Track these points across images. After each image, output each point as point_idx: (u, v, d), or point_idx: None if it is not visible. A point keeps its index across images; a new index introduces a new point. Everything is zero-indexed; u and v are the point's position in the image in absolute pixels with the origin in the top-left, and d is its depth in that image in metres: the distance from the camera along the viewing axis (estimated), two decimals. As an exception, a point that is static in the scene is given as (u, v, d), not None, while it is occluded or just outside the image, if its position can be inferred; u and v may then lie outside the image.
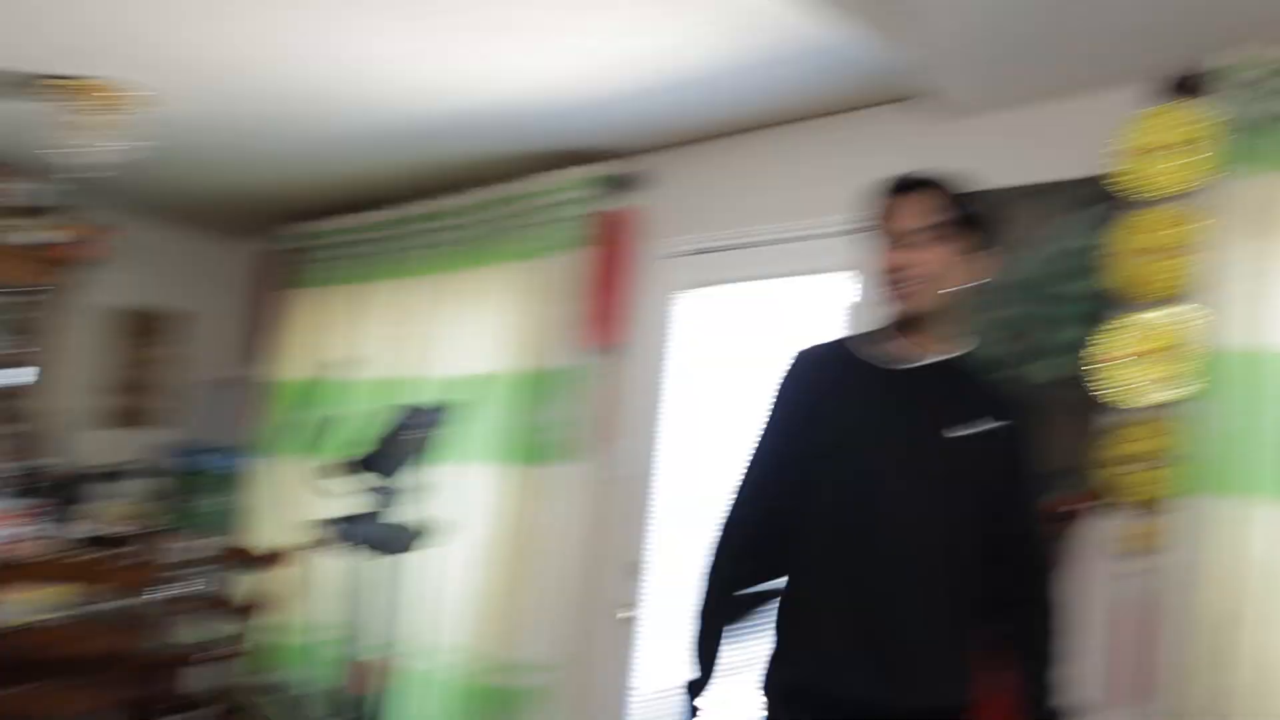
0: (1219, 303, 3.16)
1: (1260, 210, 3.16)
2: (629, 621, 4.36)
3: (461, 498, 4.82)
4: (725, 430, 4.21)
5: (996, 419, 2.44)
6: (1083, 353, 3.44)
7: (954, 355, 2.51)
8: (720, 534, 2.51)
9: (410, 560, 3.79)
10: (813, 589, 2.38)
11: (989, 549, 2.39)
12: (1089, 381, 3.42)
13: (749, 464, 2.53)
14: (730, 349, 4.34)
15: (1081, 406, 3.42)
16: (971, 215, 2.45)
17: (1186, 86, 3.41)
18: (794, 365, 2.55)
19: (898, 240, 2.43)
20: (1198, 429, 3.13)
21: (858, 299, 3.89)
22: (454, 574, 4.80)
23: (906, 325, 2.47)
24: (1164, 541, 3.22)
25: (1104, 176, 3.47)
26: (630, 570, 4.40)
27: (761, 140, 4.34)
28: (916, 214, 2.43)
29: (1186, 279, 3.28)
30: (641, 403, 4.48)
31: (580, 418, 4.63)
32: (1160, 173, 3.37)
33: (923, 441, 2.38)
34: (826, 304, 4.01)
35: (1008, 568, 2.42)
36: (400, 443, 3.73)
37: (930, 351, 2.49)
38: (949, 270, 2.43)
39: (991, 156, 3.66)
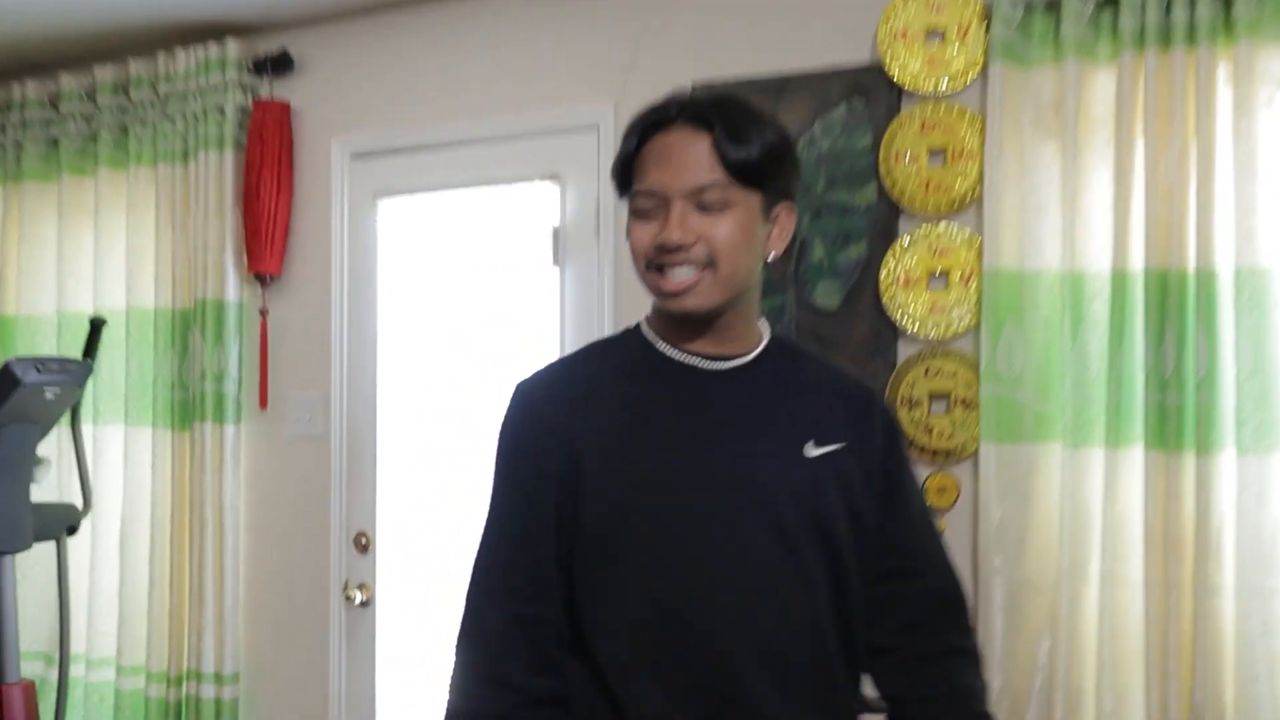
0: (1003, 217, 2.94)
1: (1038, 109, 2.93)
2: (361, 607, 3.83)
3: (109, 469, 4.02)
4: (452, 371, 3.78)
5: (856, 421, 1.79)
6: (871, 274, 3.15)
7: (762, 347, 1.80)
8: (490, 634, 1.71)
9: (59, 552, 3.38)
10: (629, 704, 1.66)
11: (878, 593, 1.79)
12: (879, 309, 3.13)
13: (491, 543, 1.77)
14: (440, 273, 3.76)
15: (872, 338, 3.08)
16: (769, 153, 1.68)
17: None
18: (520, 401, 1.77)
19: (663, 205, 1.67)
20: (993, 364, 2.91)
21: (562, 216, 3.56)
22: (110, 567, 4.12)
23: (687, 325, 1.75)
24: (966, 494, 3.03)
25: (870, 65, 3.17)
26: (358, 546, 3.81)
27: (451, 12, 3.79)
28: (691, 164, 1.66)
29: (971, 188, 3.03)
30: (335, 342, 3.80)
31: (249, 364, 3.97)
32: (929, 63, 3.09)
33: (770, 468, 1.70)
34: (531, 220, 3.64)
35: (909, 614, 1.80)
36: (24, 404, 2.96)
37: (736, 349, 1.77)
38: (742, 244, 1.68)
39: (733, 40, 3.35)
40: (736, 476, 1.69)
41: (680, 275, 1.67)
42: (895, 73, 3.11)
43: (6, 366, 3.06)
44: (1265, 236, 2.65)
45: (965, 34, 3.04)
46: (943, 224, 3.06)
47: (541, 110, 3.60)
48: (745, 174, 1.67)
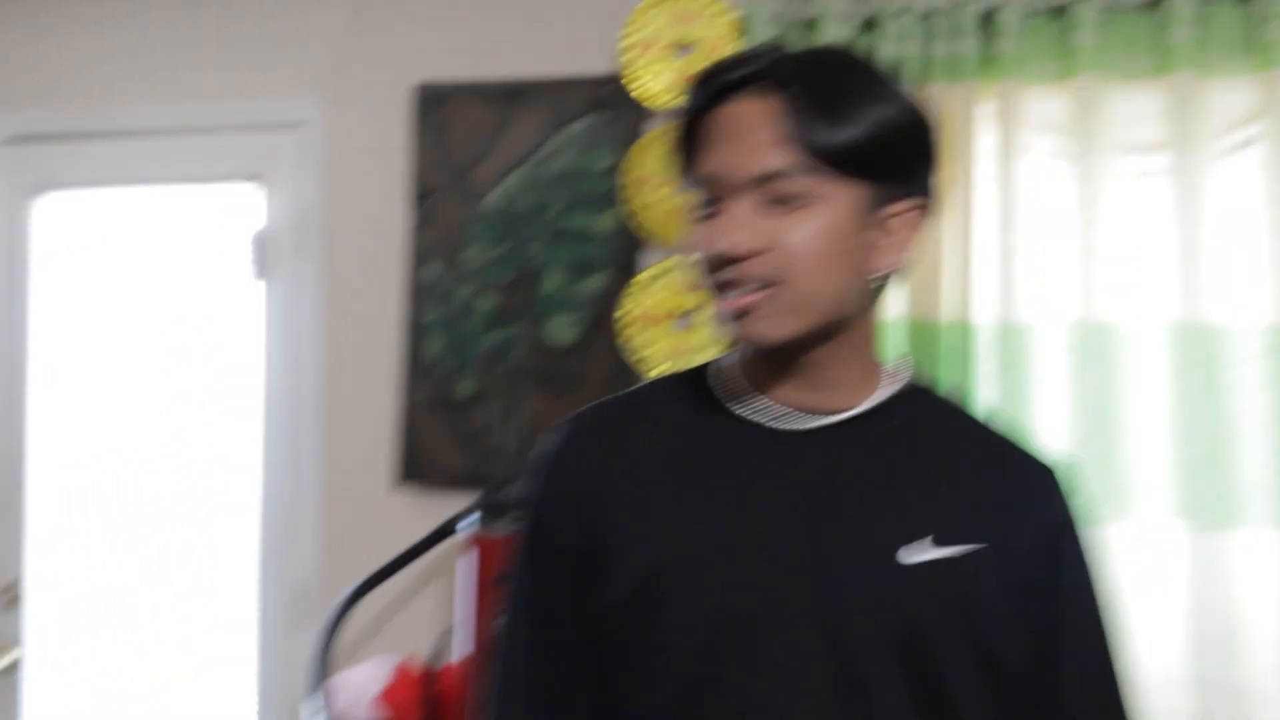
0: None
1: None
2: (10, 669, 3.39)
3: None
4: (130, 398, 3.41)
5: (1008, 514, 1.32)
6: (611, 309, 2.96)
7: (887, 397, 1.35)
8: None
9: None
10: None
11: None
12: (619, 347, 2.94)
13: (508, 639, 1.40)
14: (117, 284, 3.44)
15: (611, 381, 2.93)
16: (881, 131, 1.26)
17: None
18: (544, 451, 1.41)
19: (718, 200, 1.27)
20: None
21: (264, 223, 3.24)
22: None
23: (775, 362, 1.33)
24: None
25: (615, 76, 2.97)
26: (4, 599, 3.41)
27: None
28: (756, 142, 1.25)
29: None
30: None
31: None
32: (677, 79, 2.89)
33: (843, 572, 1.28)
34: (229, 226, 3.33)
35: None
36: None
37: (835, 402, 1.33)
38: (829, 255, 1.26)
39: (461, 38, 3.13)
40: (796, 576, 1.27)
41: (736, 293, 1.26)
42: (639, 88, 2.91)
43: None
44: (1025, 291, 2.59)
45: (717, 50, 2.87)
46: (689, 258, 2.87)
47: (242, 102, 3.26)
48: (839, 159, 1.23)
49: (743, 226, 1.23)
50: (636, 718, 1.30)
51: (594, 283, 2.95)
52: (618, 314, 2.91)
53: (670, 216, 2.88)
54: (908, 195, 1.28)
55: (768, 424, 1.32)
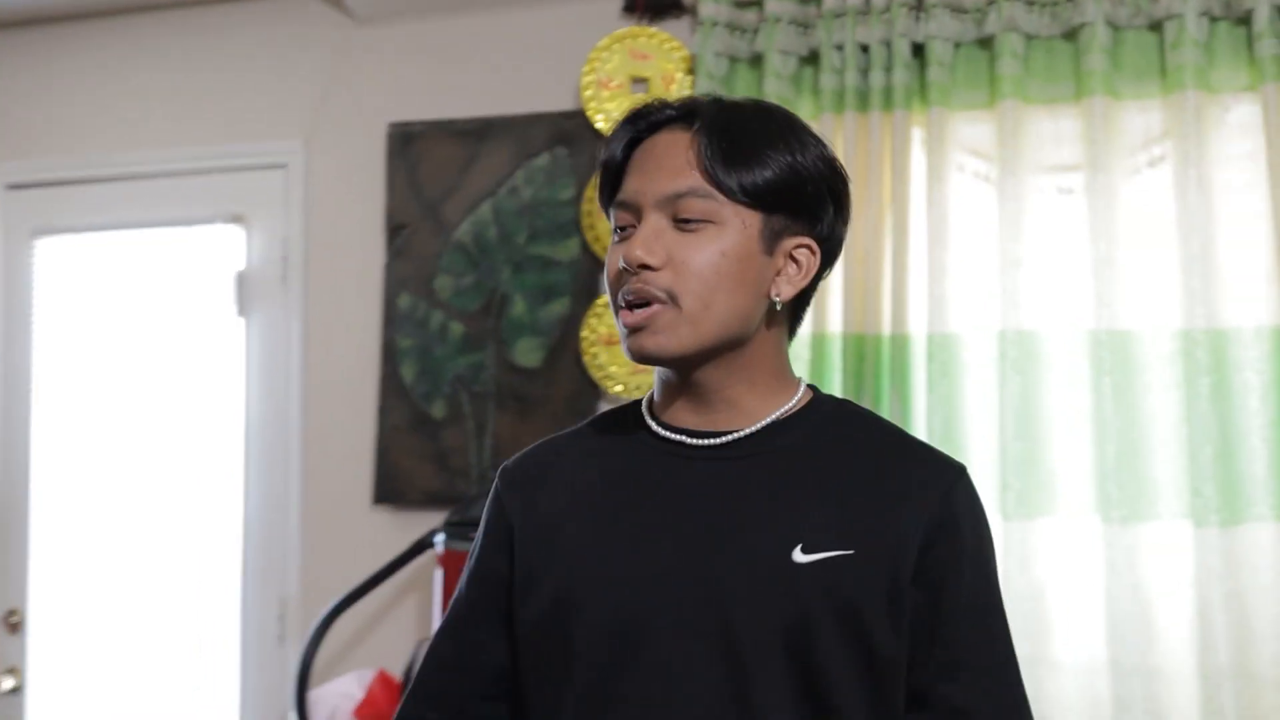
0: None
1: None
2: (10, 694, 3.60)
3: None
4: (122, 431, 3.60)
5: (894, 515, 1.39)
6: (573, 332, 3.17)
7: (784, 413, 1.44)
8: None
9: None
10: None
11: None
12: (581, 369, 3.15)
13: (430, 646, 1.60)
14: (110, 322, 3.64)
15: (574, 399, 3.11)
16: (788, 171, 1.38)
17: (651, 6, 3.16)
18: (504, 480, 1.55)
19: (632, 225, 1.40)
20: None
21: (247, 261, 3.47)
22: None
23: (675, 386, 1.44)
24: None
25: (576, 112, 3.21)
26: (7, 626, 3.62)
27: (126, 32, 3.61)
28: (669, 165, 1.38)
29: None
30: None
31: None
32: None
33: (738, 575, 1.38)
34: (213, 266, 3.54)
35: None
36: None
37: (734, 422, 1.43)
38: (725, 275, 1.37)
39: (432, 80, 3.35)
40: (686, 584, 1.37)
41: (636, 309, 1.37)
42: (599, 121, 3.13)
43: None
44: (955, 303, 2.78)
45: (669, 84, 3.09)
46: (645, 281, 3.07)
47: (224, 145, 3.50)
48: (737, 188, 1.36)
49: (647, 240, 1.36)
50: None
51: (557, 308, 3.16)
52: (580, 337, 3.11)
53: (627, 243, 3.08)
54: (806, 233, 1.40)
55: (671, 446, 1.42)
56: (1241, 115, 2.70)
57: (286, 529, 3.36)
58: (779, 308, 1.41)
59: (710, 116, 1.39)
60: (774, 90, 2.93)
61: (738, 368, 1.41)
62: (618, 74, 3.13)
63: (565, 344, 3.15)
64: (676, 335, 1.36)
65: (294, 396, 3.37)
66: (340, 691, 3.05)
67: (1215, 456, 2.57)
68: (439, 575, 2.93)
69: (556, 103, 3.22)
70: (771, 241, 1.38)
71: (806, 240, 1.40)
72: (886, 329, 2.81)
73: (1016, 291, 2.74)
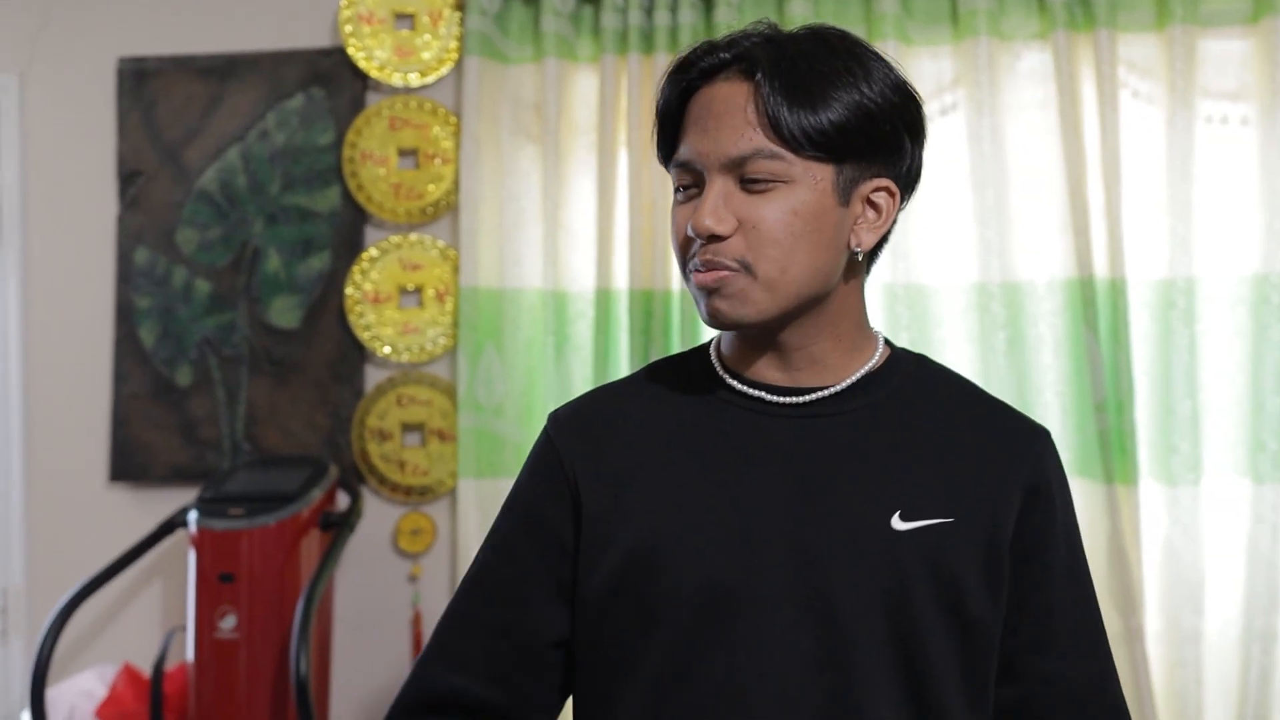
0: (481, 229, 2.88)
1: (517, 110, 2.90)
2: None
3: None
4: None
5: (987, 481, 1.37)
6: (335, 289, 3.00)
7: (870, 370, 1.40)
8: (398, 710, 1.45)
9: None
10: None
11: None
12: (345, 329, 2.98)
13: (458, 593, 1.47)
14: None
15: (338, 362, 2.96)
16: (854, 113, 1.29)
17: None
18: (544, 431, 1.46)
19: (694, 184, 1.33)
20: (472, 392, 2.85)
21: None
22: None
23: (757, 341, 1.39)
24: (443, 536, 2.95)
25: (334, 49, 3.02)
26: None
27: None
28: (730, 125, 1.31)
29: (446, 194, 2.96)
30: None
31: None
32: (398, 52, 2.98)
33: (835, 542, 1.35)
34: None
35: None
36: None
37: (820, 378, 1.38)
38: (800, 235, 1.31)
39: (168, 11, 3.11)
40: (779, 549, 1.33)
41: (711, 271, 1.30)
42: (360, 60, 2.96)
43: None
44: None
45: (437, 21, 2.94)
46: (415, 234, 2.95)
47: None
48: (806, 143, 1.28)
49: (716, 208, 1.28)
50: (629, 694, 1.35)
51: (317, 263, 2.98)
52: (344, 294, 2.95)
53: (393, 193, 2.93)
54: (882, 174, 1.32)
55: (752, 403, 1.37)
56: (1033, 63, 2.72)
57: (7, 510, 3.08)
58: (860, 257, 1.35)
59: (769, 63, 1.29)
60: (552, 29, 2.81)
61: (823, 323, 1.36)
62: (380, 8, 2.96)
63: (326, 302, 2.97)
64: (754, 302, 1.30)
65: (13, 363, 3.09)
66: (80, 689, 2.84)
67: (1011, 413, 2.59)
68: (192, 557, 2.73)
69: (311, 38, 3.03)
70: (847, 190, 1.31)
71: (885, 182, 1.32)
72: (676, 284, 2.74)
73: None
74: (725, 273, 1.29)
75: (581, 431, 1.42)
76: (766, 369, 1.38)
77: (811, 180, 1.29)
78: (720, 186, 1.30)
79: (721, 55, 1.31)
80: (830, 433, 1.37)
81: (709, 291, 1.31)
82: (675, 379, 1.44)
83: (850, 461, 1.36)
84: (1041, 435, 1.42)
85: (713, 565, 1.33)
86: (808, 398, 1.37)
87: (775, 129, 1.28)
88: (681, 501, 1.35)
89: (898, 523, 1.34)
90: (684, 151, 1.32)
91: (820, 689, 1.32)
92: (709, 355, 1.42)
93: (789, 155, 1.28)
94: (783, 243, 1.29)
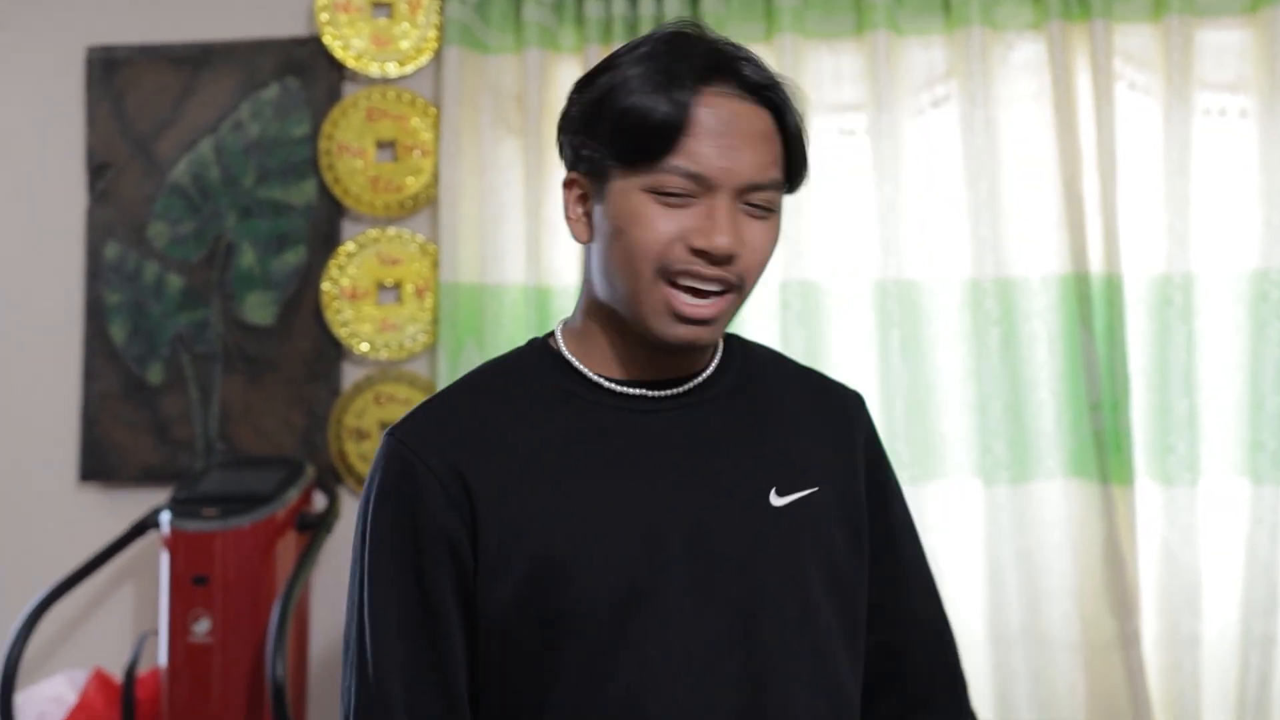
0: (461, 223, 2.86)
1: (498, 101, 2.88)
2: None
3: None
4: None
5: (836, 448, 1.48)
6: (312, 284, 2.97)
7: (717, 360, 1.46)
8: None
9: None
10: None
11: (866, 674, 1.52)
12: (322, 325, 2.96)
13: (373, 662, 1.39)
14: None
15: (314, 360, 2.95)
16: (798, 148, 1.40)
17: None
18: (390, 453, 1.40)
19: (698, 196, 1.33)
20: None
21: None
22: None
23: (653, 353, 1.41)
24: None
25: (310, 38, 3.00)
26: None
27: None
28: (759, 152, 1.35)
29: (425, 188, 2.94)
30: None
31: None
32: (375, 41, 2.96)
33: (727, 525, 1.40)
34: None
35: (902, 697, 1.56)
36: None
37: (684, 369, 1.43)
38: (770, 259, 1.40)
39: (128, 3, 3.09)
40: (676, 540, 1.37)
41: (710, 299, 1.33)
42: (336, 49, 2.94)
43: None
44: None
45: (416, 10, 2.92)
46: (393, 228, 2.93)
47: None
48: (796, 182, 1.39)
49: (735, 228, 1.31)
50: (546, 704, 1.36)
51: (292, 257, 2.95)
52: (320, 290, 2.92)
53: (370, 186, 2.90)
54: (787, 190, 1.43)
55: (631, 401, 1.40)
56: (1026, 53, 2.71)
57: (-25, 512, 3.05)
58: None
59: (789, 113, 1.38)
60: (534, 18, 2.80)
61: None
62: (357, -6, 2.93)
63: (302, 298, 2.94)
64: (725, 324, 1.38)
65: (-20, 359, 3.05)
66: (49, 695, 2.82)
67: (1005, 411, 2.58)
68: (165, 559, 2.71)
69: (286, 27, 3.01)
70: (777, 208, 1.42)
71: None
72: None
73: (799, 240, 2.68)
74: (727, 298, 1.34)
75: (449, 445, 1.39)
76: (650, 367, 1.41)
77: (779, 210, 1.38)
78: (731, 206, 1.32)
79: (746, 74, 1.35)
80: (702, 421, 1.42)
81: (698, 322, 1.33)
82: (525, 384, 1.44)
83: (724, 446, 1.42)
84: (861, 399, 1.55)
85: (621, 567, 1.36)
86: (683, 388, 1.42)
87: (785, 168, 1.36)
88: (577, 508, 1.37)
89: (775, 499, 1.41)
90: (698, 162, 1.31)
91: (731, 670, 1.37)
92: (561, 355, 1.44)
93: (781, 190, 1.37)
94: (765, 265, 1.37)
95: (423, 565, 1.38)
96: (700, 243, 1.30)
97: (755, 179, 1.32)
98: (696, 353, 1.41)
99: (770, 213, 1.34)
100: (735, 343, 1.50)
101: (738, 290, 1.35)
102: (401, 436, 1.40)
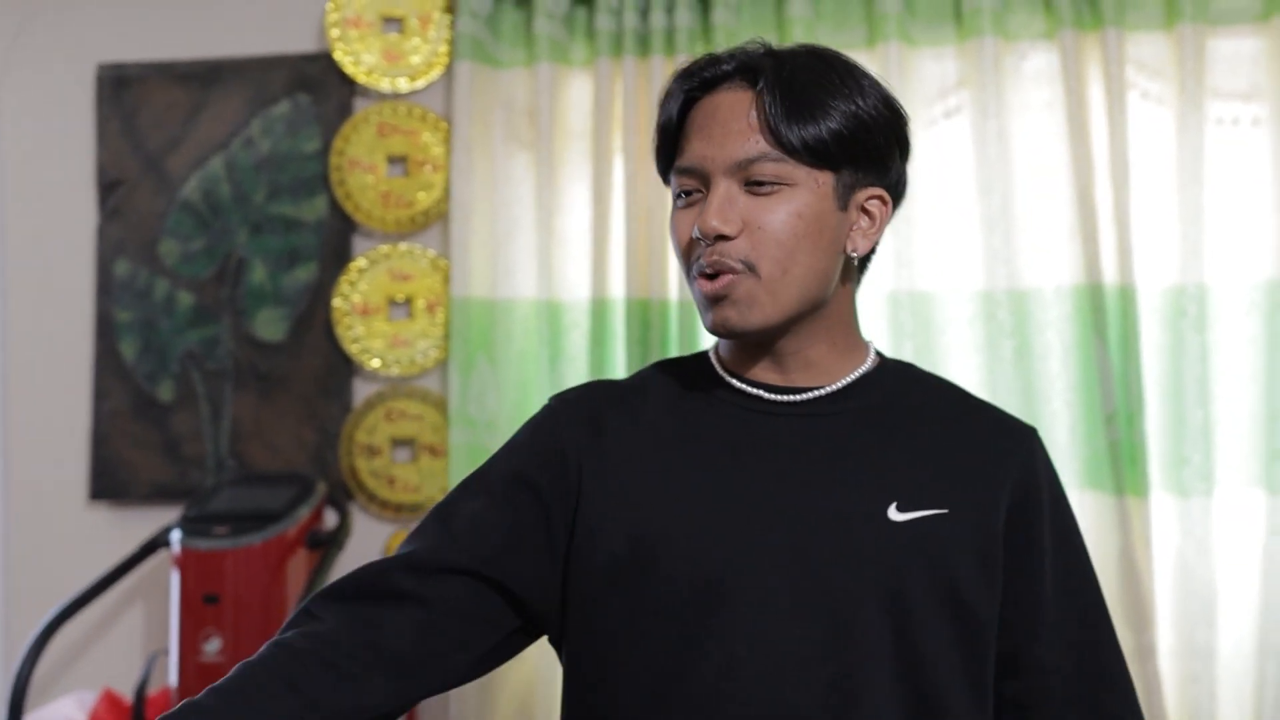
0: (472, 238, 2.87)
1: (510, 115, 2.89)
2: None
3: None
4: None
5: (979, 477, 1.45)
6: (323, 301, 2.99)
7: (853, 378, 1.47)
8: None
9: None
10: None
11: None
12: (333, 342, 2.97)
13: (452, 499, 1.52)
14: None
15: (325, 376, 2.96)
16: (850, 125, 1.39)
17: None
18: (546, 409, 1.53)
19: (697, 190, 1.41)
20: (464, 406, 2.84)
21: None
22: None
23: (754, 346, 1.45)
24: None
25: (320, 54, 3.02)
26: None
27: None
28: (736, 130, 1.38)
29: (436, 203, 2.96)
30: None
31: None
32: (386, 56, 2.98)
33: (833, 534, 1.40)
34: None
35: None
36: None
37: (814, 379, 1.45)
38: (802, 238, 1.38)
39: (150, 15, 3.11)
40: (775, 542, 1.38)
41: (719, 278, 1.37)
42: (347, 65, 2.95)
43: None
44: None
45: (427, 25, 2.93)
46: (405, 244, 2.94)
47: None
48: (804, 150, 1.36)
49: (722, 208, 1.36)
50: (624, 686, 1.41)
51: (303, 274, 2.96)
52: (331, 306, 2.93)
53: (381, 202, 2.91)
54: (875, 183, 1.42)
55: (750, 401, 1.45)
56: (1038, 63, 2.72)
57: (-14, 531, 3.06)
58: (855, 262, 1.45)
59: (771, 74, 1.38)
60: (545, 32, 2.81)
61: (819, 327, 1.44)
62: (367, 11, 2.96)
63: (313, 314, 2.95)
64: (759, 307, 1.37)
65: (-9, 377, 3.07)
66: (59, 715, 2.82)
67: (1020, 424, 2.58)
68: (175, 578, 2.71)
69: (297, 43, 3.02)
70: (845, 196, 1.40)
71: (878, 191, 1.43)
72: (674, 294, 2.73)
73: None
74: (731, 276, 1.36)
75: (585, 418, 1.48)
76: (764, 371, 1.45)
77: (814, 184, 1.38)
78: (725, 189, 1.38)
79: (724, 67, 1.40)
80: (825, 431, 1.44)
81: (716, 299, 1.38)
82: (676, 378, 1.51)
83: (845, 458, 1.43)
84: (1029, 434, 1.50)
85: (708, 558, 1.39)
86: (804, 396, 1.45)
87: (776, 135, 1.36)
88: (677, 494, 1.42)
89: (894, 514, 1.40)
90: (687, 157, 1.40)
91: (820, 680, 1.36)
92: (709, 358, 1.50)
93: (791, 161, 1.37)
94: (785, 243, 1.37)
95: (512, 493, 1.45)
96: (694, 231, 1.37)
97: (740, 155, 1.36)
98: (783, 354, 1.42)
99: (782, 186, 1.36)
100: (893, 366, 1.51)
101: (752, 270, 1.36)
102: (557, 398, 1.53)
